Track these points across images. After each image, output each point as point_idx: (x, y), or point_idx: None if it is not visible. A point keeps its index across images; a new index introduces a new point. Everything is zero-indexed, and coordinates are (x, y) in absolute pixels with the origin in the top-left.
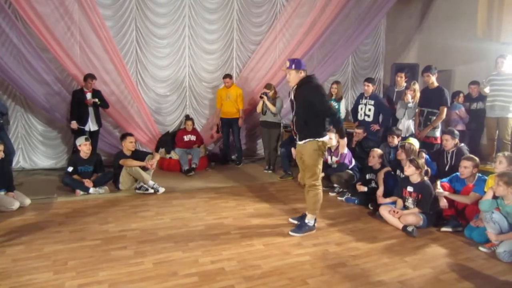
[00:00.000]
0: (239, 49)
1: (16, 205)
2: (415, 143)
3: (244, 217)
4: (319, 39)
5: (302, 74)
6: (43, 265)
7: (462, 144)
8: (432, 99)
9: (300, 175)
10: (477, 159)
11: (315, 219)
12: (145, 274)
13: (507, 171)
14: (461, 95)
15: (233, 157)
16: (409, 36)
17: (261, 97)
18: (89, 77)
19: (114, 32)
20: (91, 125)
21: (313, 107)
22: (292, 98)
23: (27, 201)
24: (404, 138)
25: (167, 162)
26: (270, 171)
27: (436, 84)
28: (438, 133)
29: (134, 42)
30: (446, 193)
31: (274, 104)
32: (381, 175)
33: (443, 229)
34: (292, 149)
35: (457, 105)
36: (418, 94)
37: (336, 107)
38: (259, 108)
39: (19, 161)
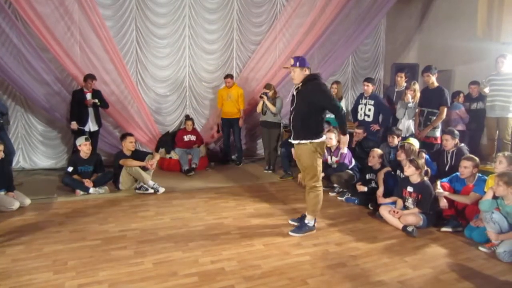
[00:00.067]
0: (239, 49)
1: (16, 205)
2: (415, 143)
3: (244, 217)
4: (319, 39)
5: (307, 72)
6: (43, 265)
7: (462, 144)
8: (432, 99)
9: (300, 175)
10: (477, 159)
11: (315, 220)
12: (145, 274)
13: (507, 171)
14: (461, 95)
15: (233, 157)
16: (409, 36)
17: (261, 97)
18: (89, 77)
19: (114, 32)
20: (91, 126)
21: (315, 105)
22: (294, 93)
23: (27, 201)
24: (404, 138)
25: (167, 162)
26: (270, 171)
27: (436, 84)
28: (438, 133)
29: (134, 42)
30: (446, 193)
31: (274, 104)
32: (381, 175)
33: (443, 229)
34: (292, 149)
35: (457, 105)
36: (418, 94)
37: None
38: (259, 108)
39: (19, 161)
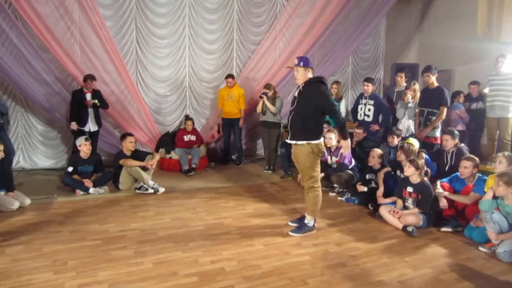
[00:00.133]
0: (239, 49)
1: (16, 205)
2: (415, 143)
3: (244, 217)
4: (319, 39)
5: (310, 72)
6: (43, 265)
7: (462, 144)
8: (432, 99)
9: (300, 175)
10: (477, 159)
11: (315, 220)
12: (145, 274)
13: (507, 171)
14: (461, 95)
15: (233, 157)
16: (409, 36)
17: (260, 97)
18: (89, 78)
19: (114, 32)
20: (91, 126)
21: (316, 107)
22: (296, 94)
23: (27, 201)
24: (404, 138)
25: (167, 162)
26: (270, 171)
27: (436, 84)
28: (438, 133)
29: (134, 42)
30: (446, 193)
31: (273, 104)
32: (381, 175)
33: (443, 229)
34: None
35: (457, 105)
36: (418, 94)
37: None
38: (259, 108)
39: (19, 161)
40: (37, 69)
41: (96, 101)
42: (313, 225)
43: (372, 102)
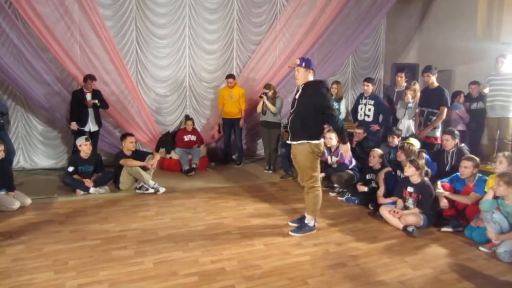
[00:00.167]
0: (239, 49)
1: (16, 205)
2: (415, 143)
3: (244, 217)
4: (319, 39)
5: (311, 73)
6: (43, 265)
7: (463, 144)
8: (432, 99)
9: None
10: (477, 159)
11: (315, 220)
12: (145, 274)
13: (508, 171)
14: (462, 95)
15: (233, 157)
16: (409, 36)
17: (260, 97)
18: (89, 78)
19: (114, 32)
20: (91, 126)
21: (315, 108)
22: (296, 96)
23: (28, 201)
24: (404, 138)
25: (167, 162)
26: (270, 171)
27: (436, 84)
28: (438, 133)
29: (134, 42)
30: (447, 193)
31: (273, 104)
32: (381, 175)
33: (444, 229)
34: None
35: (457, 105)
36: (418, 94)
37: (336, 107)
38: (259, 108)
39: (20, 161)
40: (37, 69)
41: (96, 101)
42: (313, 225)
43: (372, 102)
